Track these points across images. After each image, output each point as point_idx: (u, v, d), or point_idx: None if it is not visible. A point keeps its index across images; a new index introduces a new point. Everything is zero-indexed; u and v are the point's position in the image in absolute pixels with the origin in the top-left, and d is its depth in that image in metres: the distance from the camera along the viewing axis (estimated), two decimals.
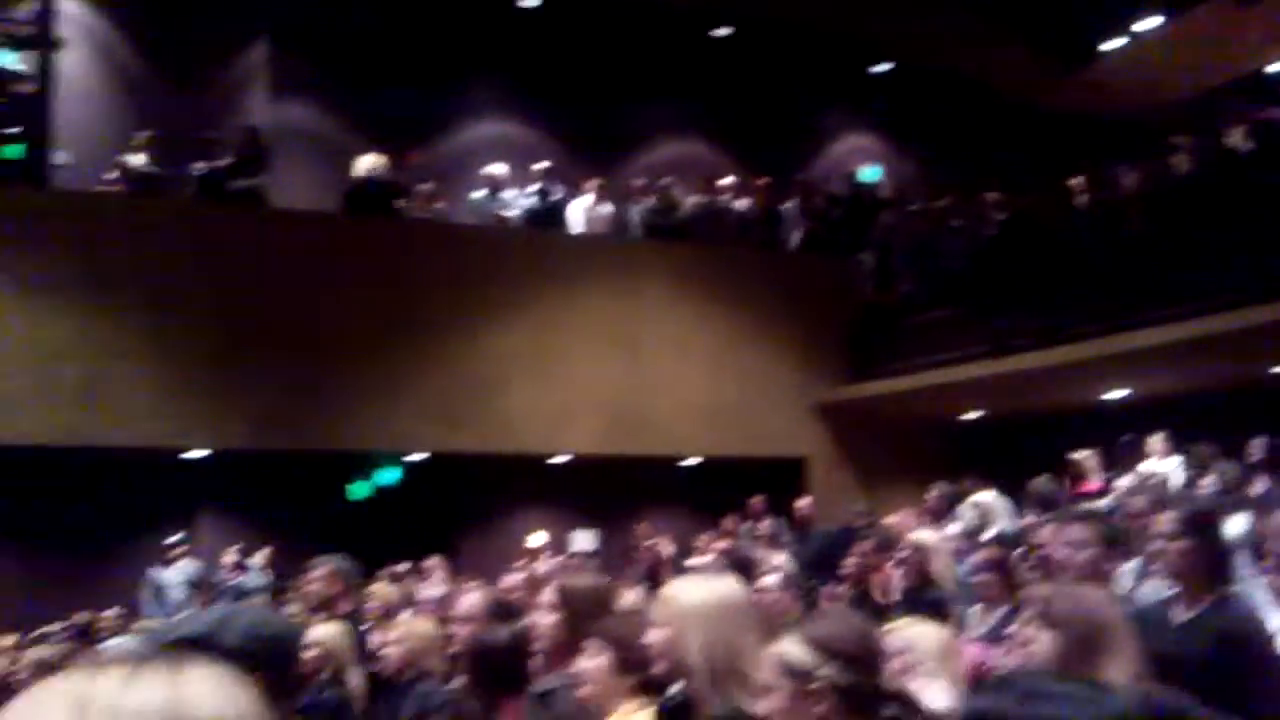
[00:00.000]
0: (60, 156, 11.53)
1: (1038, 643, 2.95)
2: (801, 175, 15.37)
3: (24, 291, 10.27)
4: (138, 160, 11.82)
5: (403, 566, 8.35)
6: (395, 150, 12.94)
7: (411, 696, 4.39)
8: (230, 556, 10.49)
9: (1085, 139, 15.42)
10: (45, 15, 11.75)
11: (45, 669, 5.26)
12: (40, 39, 11.44)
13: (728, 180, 14.42)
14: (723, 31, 16.50)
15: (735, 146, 16.16)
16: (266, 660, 2.16)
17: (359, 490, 12.50)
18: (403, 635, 4.68)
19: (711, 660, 2.76)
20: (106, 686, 1.00)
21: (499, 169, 13.79)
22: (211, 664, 1.05)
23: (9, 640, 6.95)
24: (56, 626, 7.20)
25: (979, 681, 3.16)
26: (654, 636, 2.88)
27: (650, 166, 15.42)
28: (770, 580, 5.54)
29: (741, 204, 14.18)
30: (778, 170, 14.79)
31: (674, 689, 2.92)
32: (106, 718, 0.97)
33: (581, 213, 13.35)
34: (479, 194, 13.53)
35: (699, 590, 2.93)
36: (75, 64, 12.84)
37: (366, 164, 12.51)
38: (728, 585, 2.99)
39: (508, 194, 13.47)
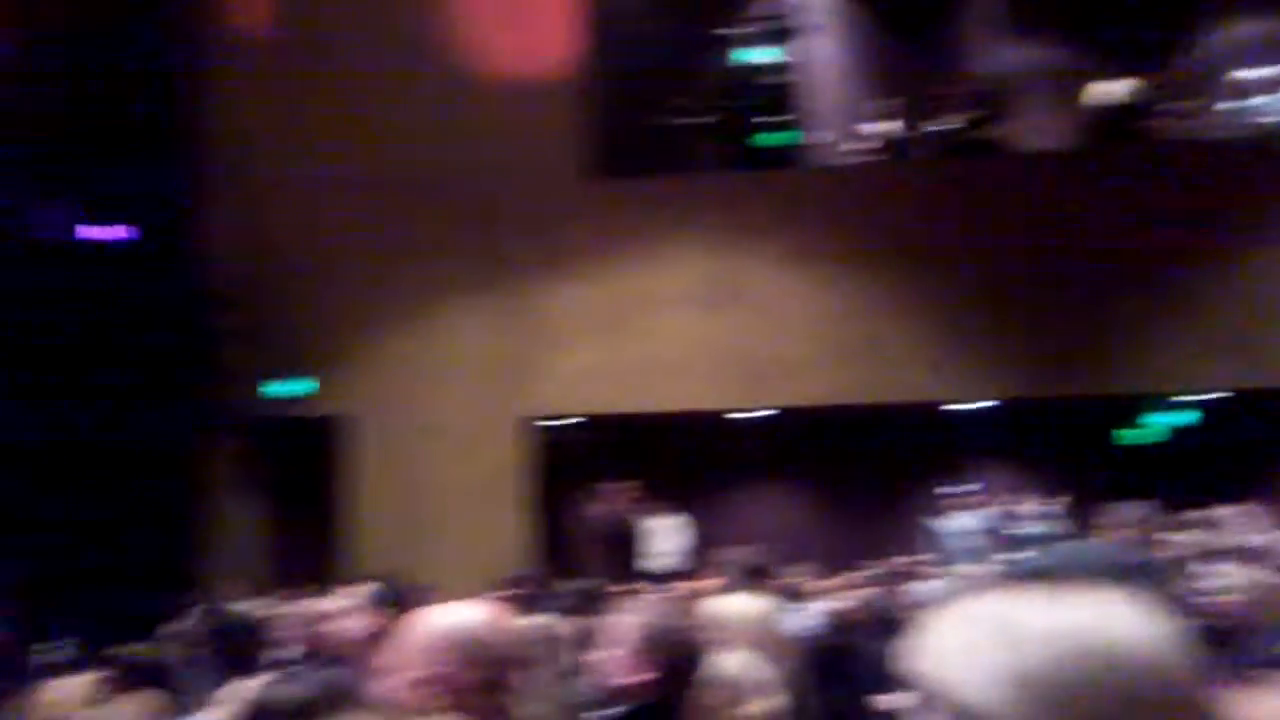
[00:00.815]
0: (820, 134, 12.42)
1: None
2: None
3: (804, 263, 11.15)
4: (886, 127, 12.35)
5: (1204, 512, 7.89)
6: (1139, 72, 12.19)
7: (1256, 648, 4.11)
8: (1020, 504, 10.63)
9: None
10: (796, 5, 12.77)
11: (873, 609, 5.82)
12: (795, 29, 12.43)
13: None
14: None
15: None
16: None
17: (1143, 433, 12.05)
18: (1240, 584, 4.41)
19: None
20: (1029, 608, 1.02)
21: (1260, 72, 12.47)
22: (1112, 590, 1.03)
23: (837, 580, 7.71)
24: (873, 569, 7.80)
25: None
26: None
27: None
28: None
29: None
30: None
31: None
32: (1063, 636, 0.98)
33: None
34: (1236, 103, 12.33)
35: None
36: (822, 45, 13.71)
37: (1107, 90, 11.99)
38: None
39: (1269, 98, 12.15)
